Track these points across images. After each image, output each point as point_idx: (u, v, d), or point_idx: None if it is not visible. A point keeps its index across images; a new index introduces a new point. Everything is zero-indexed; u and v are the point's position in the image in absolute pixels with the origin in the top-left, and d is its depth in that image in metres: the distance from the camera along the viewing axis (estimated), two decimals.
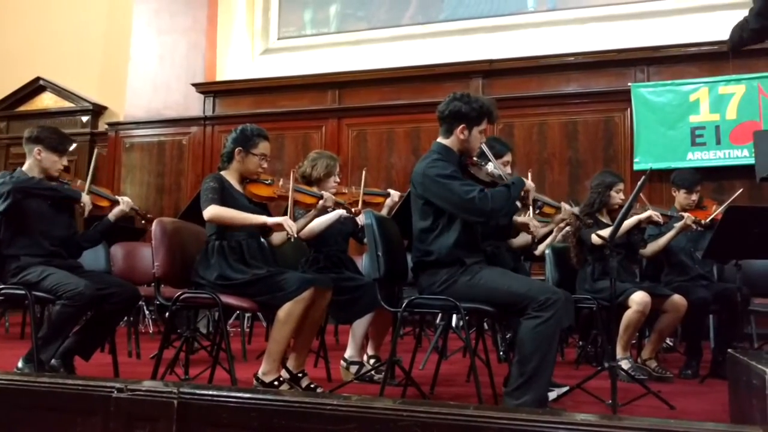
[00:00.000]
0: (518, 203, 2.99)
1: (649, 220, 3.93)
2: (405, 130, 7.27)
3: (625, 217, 3.10)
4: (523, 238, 3.72)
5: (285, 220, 3.05)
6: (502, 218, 3.14)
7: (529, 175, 3.32)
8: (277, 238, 3.29)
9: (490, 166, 2.97)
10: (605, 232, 3.33)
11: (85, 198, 3.43)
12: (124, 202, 3.55)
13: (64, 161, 3.47)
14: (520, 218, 3.44)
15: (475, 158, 2.97)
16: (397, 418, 1.47)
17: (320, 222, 3.53)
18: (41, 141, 3.39)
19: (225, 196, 3.09)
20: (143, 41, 8.43)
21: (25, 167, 3.42)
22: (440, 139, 2.93)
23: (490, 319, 4.06)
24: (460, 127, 2.86)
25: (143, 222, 3.82)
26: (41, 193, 3.33)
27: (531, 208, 3.13)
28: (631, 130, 6.53)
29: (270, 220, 3.08)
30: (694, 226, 4.01)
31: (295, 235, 3.07)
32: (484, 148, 2.99)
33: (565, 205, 3.58)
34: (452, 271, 2.77)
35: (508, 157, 3.55)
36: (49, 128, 3.55)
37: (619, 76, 6.73)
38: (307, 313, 2.98)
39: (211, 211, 3.00)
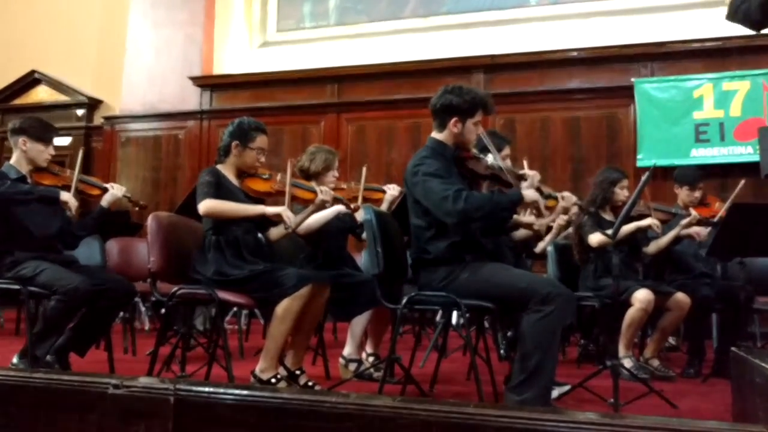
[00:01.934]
0: (531, 212, 2.92)
1: (648, 227, 3.90)
2: (405, 125, 7.23)
3: (629, 213, 3.07)
4: (525, 231, 3.69)
5: (284, 210, 3.05)
6: (488, 223, 2.91)
7: (525, 163, 3.25)
8: (274, 233, 3.26)
9: (490, 158, 2.91)
10: (607, 232, 3.30)
11: (65, 196, 3.30)
12: (116, 188, 3.52)
13: (51, 150, 3.43)
14: (524, 218, 3.40)
15: (474, 151, 2.92)
16: (396, 417, 1.44)
17: (318, 218, 3.50)
18: (25, 131, 3.37)
19: (221, 190, 3.05)
20: (139, 34, 8.39)
21: (12, 160, 3.40)
22: (434, 134, 2.90)
23: (491, 316, 4.02)
24: (453, 120, 2.82)
25: (137, 209, 3.79)
26: (15, 198, 3.25)
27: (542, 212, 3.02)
28: (634, 126, 6.51)
29: (269, 209, 3.08)
30: (697, 238, 3.96)
31: (293, 227, 3.04)
32: (485, 139, 2.92)
33: (566, 194, 3.53)
34: (452, 267, 2.74)
35: (506, 151, 3.51)
36: (32, 118, 3.54)
37: (622, 71, 6.70)
38: (306, 309, 2.95)
39: (206, 205, 2.98)
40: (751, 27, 2.87)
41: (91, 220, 3.53)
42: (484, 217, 2.68)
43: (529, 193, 2.71)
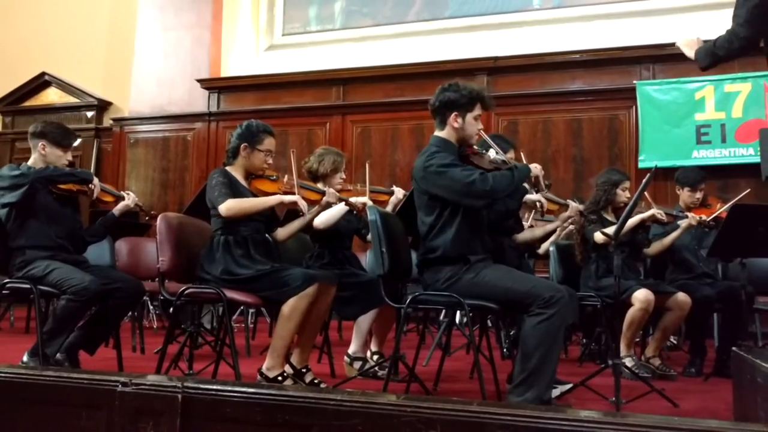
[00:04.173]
0: (527, 186, 2.99)
1: (653, 219, 3.93)
2: (409, 126, 7.26)
3: (629, 215, 3.09)
4: (527, 234, 3.71)
5: (299, 199, 3.10)
6: (509, 201, 3.10)
7: (523, 158, 3.29)
8: (281, 233, 3.30)
9: (492, 154, 2.96)
10: (609, 230, 3.33)
11: (96, 180, 3.50)
12: (129, 198, 3.58)
13: (69, 156, 3.51)
14: (531, 196, 3.41)
15: (475, 147, 2.96)
16: (400, 414, 1.47)
17: (334, 213, 3.53)
18: (45, 136, 3.42)
19: (232, 190, 3.09)
20: (148, 37, 8.44)
21: (30, 162, 3.45)
22: (437, 133, 2.94)
23: (494, 316, 4.06)
24: (453, 114, 2.86)
25: (147, 219, 3.86)
26: (60, 179, 3.37)
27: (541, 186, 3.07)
28: (636, 128, 6.52)
29: (286, 198, 3.12)
30: (699, 225, 4.00)
31: (308, 214, 3.13)
32: (484, 135, 2.98)
33: (571, 203, 3.57)
34: (456, 268, 2.77)
35: (510, 154, 3.54)
36: (53, 123, 3.58)
37: (624, 73, 6.72)
38: (312, 308, 2.98)
39: (228, 205, 3.00)
40: (746, 50, 2.90)
41: (102, 227, 3.60)
42: (509, 192, 2.86)
43: (534, 168, 2.92)
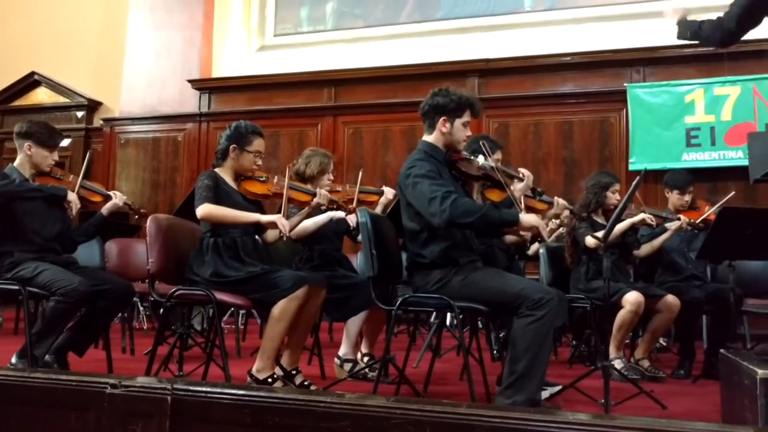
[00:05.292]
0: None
1: (642, 223, 3.95)
2: (401, 128, 7.27)
3: (619, 217, 3.11)
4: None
5: (279, 219, 3.04)
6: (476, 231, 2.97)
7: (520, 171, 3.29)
8: (271, 235, 3.30)
9: (481, 159, 2.95)
10: (600, 234, 3.34)
11: (72, 196, 3.39)
12: (117, 197, 3.55)
13: (55, 156, 3.46)
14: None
15: (464, 153, 2.96)
16: (390, 416, 1.47)
17: (312, 222, 3.54)
18: (31, 136, 3.38)
19: (219, 193, 3.08)
20: (139, 37, 8.41)
21: (16, 163, 3.42)
22: (425, 137, 2.94)
23: (484, 317, 4.06)
24: (441, 119, 2.86)
25: (137, 217, 3.83)
26: (24, 196, 3.30)
27: (544, 236, 2.92)
28: (626, 131, 6.56)
29: (264, 218, 3.06)
30: (688, 228, 4.03)
31: (288, 234, 3.07)
32: (480, 143, 2.98)
33: (557, 200, 3.57)
34: (446, 270, 2.77)
35: (498, 155, 3.55)
36: (39, 123, 3.53)
37: (615, 76, 6.76)
38: (302, 310, 2.98)
39: (203, 210, 3.00)
40: (719, 44, 2.95)
41: (91, 227, 3.57)
42: (470, 225, 2.71)
43: (528, 218, 2.71)
